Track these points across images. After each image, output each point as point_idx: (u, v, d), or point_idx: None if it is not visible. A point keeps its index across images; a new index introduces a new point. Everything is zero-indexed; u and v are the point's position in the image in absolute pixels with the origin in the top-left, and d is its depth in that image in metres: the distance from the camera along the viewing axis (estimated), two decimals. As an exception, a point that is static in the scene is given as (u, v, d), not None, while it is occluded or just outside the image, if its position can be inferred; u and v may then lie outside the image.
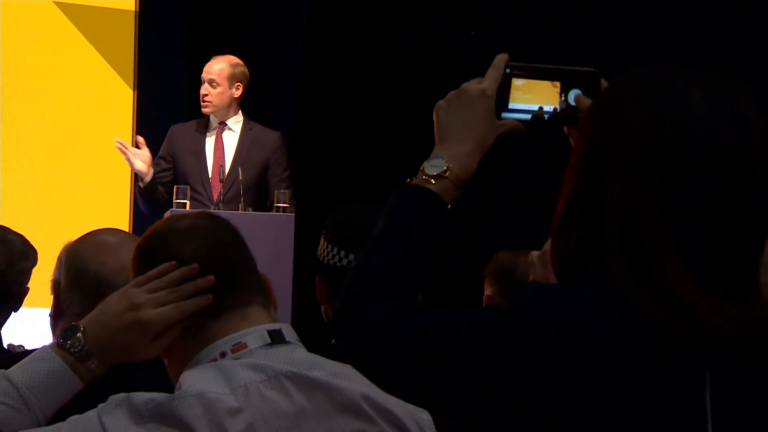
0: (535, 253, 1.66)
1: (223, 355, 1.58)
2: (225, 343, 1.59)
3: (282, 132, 5.46)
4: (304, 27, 6.39)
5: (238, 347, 1.58)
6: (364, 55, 6.37)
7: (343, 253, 2.35)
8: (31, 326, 4.44)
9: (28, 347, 2.66)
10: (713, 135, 1.15)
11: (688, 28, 5.71)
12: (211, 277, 1.62)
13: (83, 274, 2.04)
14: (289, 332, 1.63)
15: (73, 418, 1.51)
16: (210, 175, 5.17)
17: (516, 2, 6.26)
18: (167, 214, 4.76)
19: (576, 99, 1.39)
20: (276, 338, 1.60)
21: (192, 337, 1.62)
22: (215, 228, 1.68)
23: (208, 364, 1.57)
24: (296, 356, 1.58)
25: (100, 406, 1.50)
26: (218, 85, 5.20)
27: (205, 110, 5.22)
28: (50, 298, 2.14)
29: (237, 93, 5.23)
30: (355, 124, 6.36)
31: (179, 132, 5.29)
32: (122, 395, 1.49)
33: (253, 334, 1.59)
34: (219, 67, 5.20)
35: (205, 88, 5.19)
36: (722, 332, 1.12)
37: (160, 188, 5.13)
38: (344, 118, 6.38)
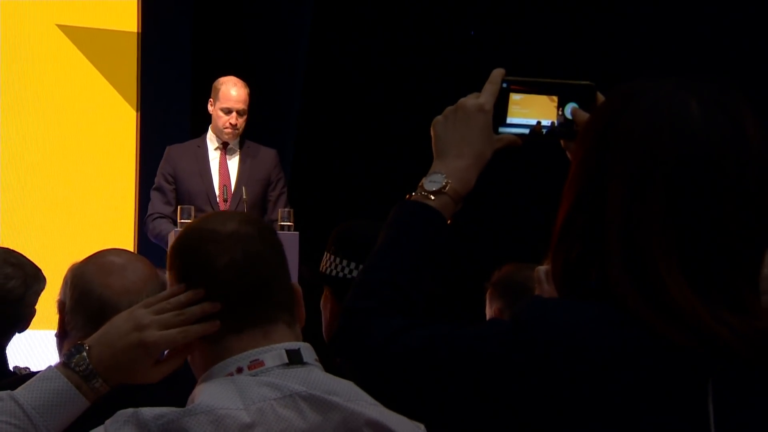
0: (541, 269, 1.66)
1: (239, 370, 1.57)
2: (243, 358, 1.58)
3: (285, 150, 5.47)
4: (305, 44, 6.41)
5: (256, 364, 1.57)
6: (366, 65, 6.38)
7: (354, 265, 2.34)
8: (38, 348, 4.45)
9: (34, 369, 2.67)
10: (711, 144, 1.16)
11: (684, 38, 5.73)
12: (217, 304, 1.60)
13: (87, 296, 2.04)
14: (307, 352, 1.61)
15: None
16: (217, 195, 5.18)
17: (516, 2, 6.27)
18: (171, 234, 4.77)
19: (572, 113, 1.40)
20: (293, 358, 1.58)
21: (213, 343, 1.61)
22: (257, 239, 1.64)
23: (223, 378, 1.56)
24: (312, 377, 1.57)
25: (108, 422, 1.49)
26: (245, 112, 5.23)
27: (230, 138, 5.22)
28: (55, 320, 2.15)
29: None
30: (358, 141, 6.37)
31: (178, 153, 5.28)
32: (130, 411, 1.48)
33: (272, 352, 1.58)
34: (244, 93, 5.21)
35: (234, 118, 5.19)
36: (724, 342, 1.12)
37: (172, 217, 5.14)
38: (346, 135, 6.39)
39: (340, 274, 2.36)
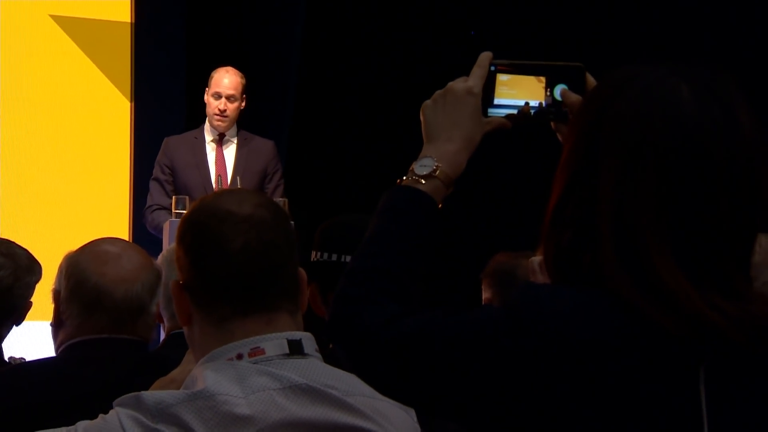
0: (535, 260, 1.66)
1: (239, 356, 1.57)
2: (244, 344, 1.57)
3: (279, 143, 5.45)
4: (300, 36, 6.39)
5: (256, 352, 1.57)
6: (361, 60, 6.37)
7: (335, 256, 2.34)
8: (34, 339, 4.45)
9: (29, 359, 2.67)
10: (703, 130, 1.16)
11: (677, 24, 5.73)
12: None
13: (82, 285, 2.04)
14: (308, 343, 1.61)
15: (85, 423, 1.52)
16: (214, 187, 5.17)
17: (516, 2, 6.27)
18: (166, 225, 4.77)
19: (562, 94, 1.39)
20: (294, 349, 1.58)
21: (214, 326, 1.61)
22: (271, 225, 1.63)
23: (224, 363, 1.56)
24: (312, 369, 1.57)
25: (117, 405, 1.50)
26: (236, 99, 5.19)
27: (220, 125, 5.19)
28: (49, 311, 2.15)
29: (243, 104, 5.25)
30: (352, 133, 6.37)
31: (175, 144, 5.27)
32: (132, 395, 1.49)
33: (273, 340, 1.58)
34: (236, 81, 5.18)
35: (223, 104, 5.15)
36: (716, 327, 1.12)
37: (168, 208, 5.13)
38: (342, 128, 6.39)
39: (320, 261, 2.36)
